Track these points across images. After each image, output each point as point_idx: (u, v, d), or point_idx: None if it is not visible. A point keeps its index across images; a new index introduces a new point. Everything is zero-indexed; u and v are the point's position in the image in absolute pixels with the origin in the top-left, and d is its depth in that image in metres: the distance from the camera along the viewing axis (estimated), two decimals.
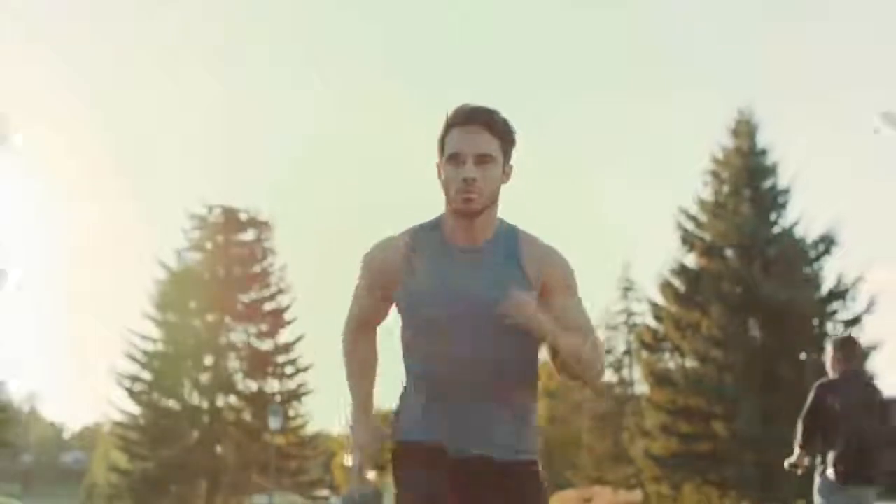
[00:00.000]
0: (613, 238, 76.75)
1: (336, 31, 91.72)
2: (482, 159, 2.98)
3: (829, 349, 6.92)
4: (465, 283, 3.03)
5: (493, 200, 3.05)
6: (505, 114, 3.10)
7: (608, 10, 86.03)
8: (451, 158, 3.01)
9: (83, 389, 79.96)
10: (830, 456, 6.58)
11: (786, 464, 6.88)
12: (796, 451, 6.76)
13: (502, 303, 2.93)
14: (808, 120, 75.08)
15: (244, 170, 78.86)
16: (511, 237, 3.10)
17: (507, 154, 3.06)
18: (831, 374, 6.76)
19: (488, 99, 3.01)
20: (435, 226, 3.13)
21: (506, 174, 3.08)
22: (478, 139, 2.99)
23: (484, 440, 3.04)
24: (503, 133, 3.03)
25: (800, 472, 6.85)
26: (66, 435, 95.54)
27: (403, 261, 3.09)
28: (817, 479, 6.67)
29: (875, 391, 6.80)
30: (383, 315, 3.26)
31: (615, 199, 77.03)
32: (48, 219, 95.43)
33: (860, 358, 6.90)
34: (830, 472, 6.56)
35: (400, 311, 3.15)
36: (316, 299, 79.45)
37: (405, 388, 3.18)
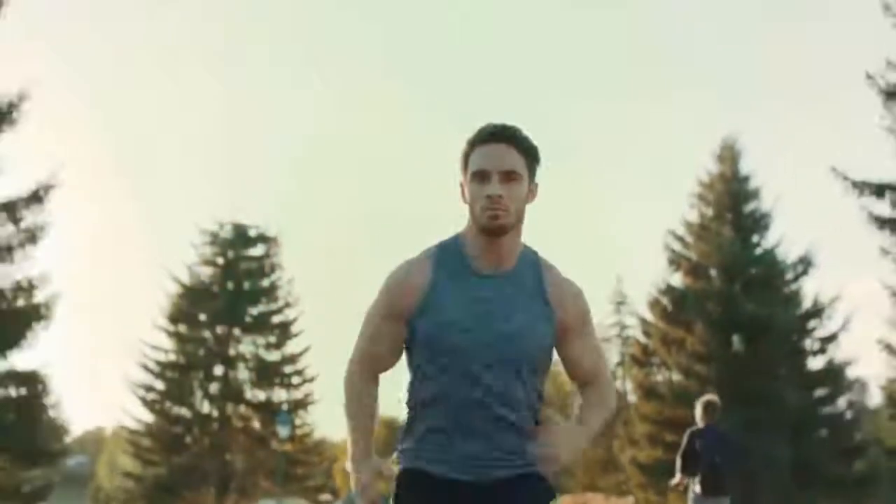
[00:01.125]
0: (608, 251, 79.02)
1: (339, 32, 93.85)
2: (508, 177, 2.99)
3: (698, 407, 10.42)
4: (492, 313, 3.02)
5: (520, 219, 3.05)
6: (526, 129, 3.12)
7: (608, 11, 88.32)
8: (475, 176, 3.02)
9: (82, 393, 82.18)
10: (697, 478, 10.13)
11: (671, 483, 10.40)
12: (678, 475, 10.25)
13: (526, 329, 3.00)
14: (807, 122, 77.72)
15: (250, 181, 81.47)
16: (534, 266, 3.10)
17: (532, 172, 3.07)
18: (699, 423, 10.30)
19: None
20: (456, 247, 3.12)
21: (531, 192, 3.08)
22: (503, 156, 2.99)
23: (492, 469, 3.04)
24: (528, 150, 3.04)
25: (680, 488, 10.36)
26: (67, 439, 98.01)
27: (427, 284, 3.07)
28: (690, 493, 10.20)
29: (725, 436, 10.49)
30: (394, 356, 3.16)
31: (611, 213, 79.46)
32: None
33: (717, 413, 10.38)
34: (697, 488, 10.10)
35: (417, 336, 3.08)
36: (322, 312, 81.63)
37: (410, 417, 3.17)
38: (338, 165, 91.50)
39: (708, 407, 10.37)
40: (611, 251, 71.22)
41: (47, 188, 18.51)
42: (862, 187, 19.26)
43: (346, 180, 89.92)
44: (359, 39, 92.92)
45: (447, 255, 3.09)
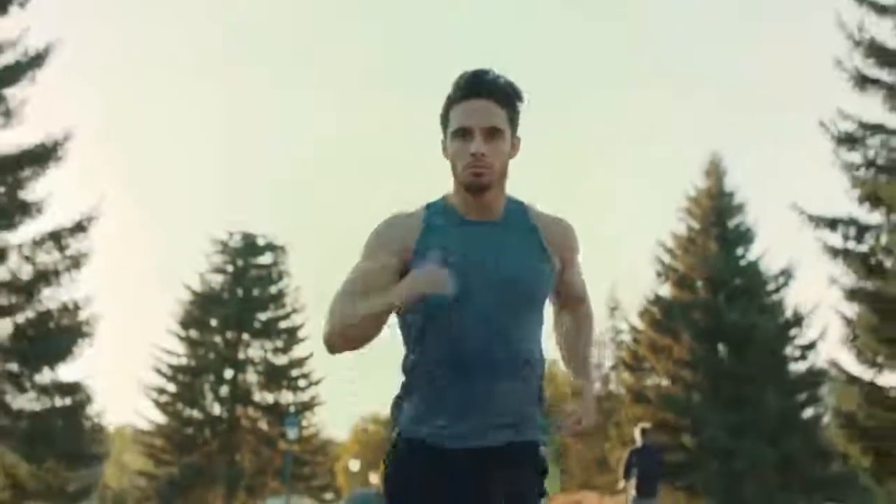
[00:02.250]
0: (604, 257, 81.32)
1: (347, 41, 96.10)
2: (491, 133, 2.97)
3: (636, 431, 14.55)
4: (491, 256, 3.01)
5: (504, 175, 3.05)
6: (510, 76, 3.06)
7: (608, 23, 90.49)
8: (457, 133, 3.00)
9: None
10: (633, 482, 14.07)
11: (619, 485, 14.65)
12: (621, 481, 14.29)
13: (526, 270, 3.01)
14: (793, 136, 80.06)
15: (259, 192, 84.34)
16: (521, 211, 3.12)
17: (514, 125, 3.04)
18: (637, 443, 14.37)
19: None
20: (444, 202, 3.11)
21: (514, 147, 3.06)
22: (486, 112, 2.98)
23: (506, 422, 3.01)
24: (510, 104, 3.02)
25: (621, 489, 14.62)
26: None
27: (422, 226, 3.06)
28: (628, 495, 14.12)
29: (656, 453, 14.65)
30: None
31: (609, 221, 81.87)
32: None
33: (651, 436, 14.64)
34: (633, 492, 14.04)
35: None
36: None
37: (410, 377, 3.09)
38: (343, 176, 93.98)
39: (644, 431, 14.74)
40: (607, 257, 73.65)
41: (90, 219, 21.24)
42: (817, 221, 21.84)
43: (351, 190, 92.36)
44: (365, 48, 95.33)
45: (436, 209, 3.10)
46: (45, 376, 21.05)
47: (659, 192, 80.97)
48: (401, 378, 3.12)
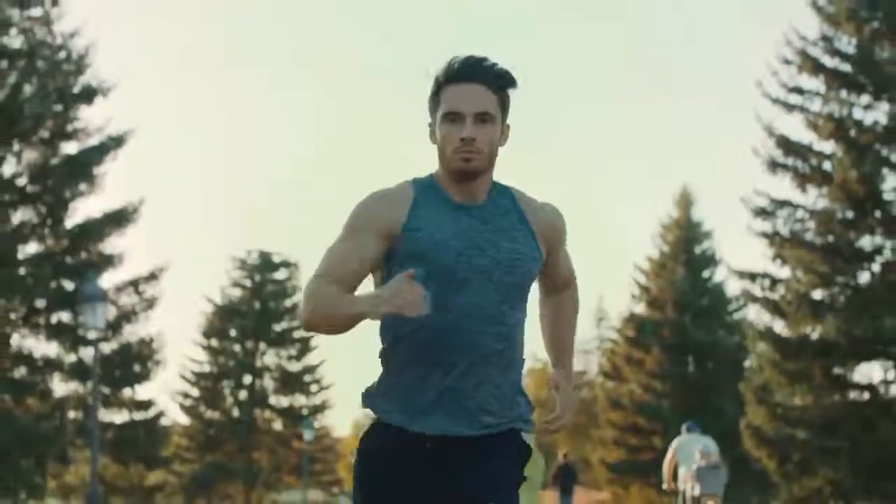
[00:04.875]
0: (592, 270, 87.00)
1: (358, 56, 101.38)
2: (481, 118, 3.02)
3: (559, 454, 22.89)
4: (479, 236, 3.07)
5: (492, 162, 3.09)
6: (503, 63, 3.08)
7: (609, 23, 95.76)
8: (446, 117, 3.04)
9: None
10: (559, 484, 21.71)
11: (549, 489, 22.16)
12: (550, 488, 22.35)
13: (515, 253, 3.07)
14: None
15: (274, 214, 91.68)
16: (507, 195, 3.17)
17: (504, 111, 3.10)
18: (561, 461, 22.55)
19: None
20: (431, 181, 3.14)
21: (503, 134, 3.11)
22: (476, 97, 3.03)
23: (490, 409, 3.06)
24: (501, 89, 3.07)
25: (549, 488, 22.40)
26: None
27: (410, 203, 3.08)
28: (558, 496, 21.87)
29: (573, 468, 23.30)
30: (359, 278, 3.08)
31: (598, 230, 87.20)
32: None
33: (570, 456, 23.39)
34: (558, 493, 21.85)
35: (403, 252, 3.05)
36: None
37: (387, 358, 3.13)
38: (349, 192, 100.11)
39: (565, 455, 23.73)
40: (595, 270, 78.98)
41: (161, 269, 28.39)
42: (740, 273, 28.89)
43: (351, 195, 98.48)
44: (365, 49, 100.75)
45: (424, 187, 3.12)
46: (126, 395, 28.31)
47: (650, 197, 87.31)
48: (379, 361, 3.15)
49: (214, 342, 46.48)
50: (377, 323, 3.12)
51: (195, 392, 45.90)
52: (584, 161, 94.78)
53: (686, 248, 41.24)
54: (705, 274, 41.48)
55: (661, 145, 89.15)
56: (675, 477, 15.80)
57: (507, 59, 3.09)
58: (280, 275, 47.64)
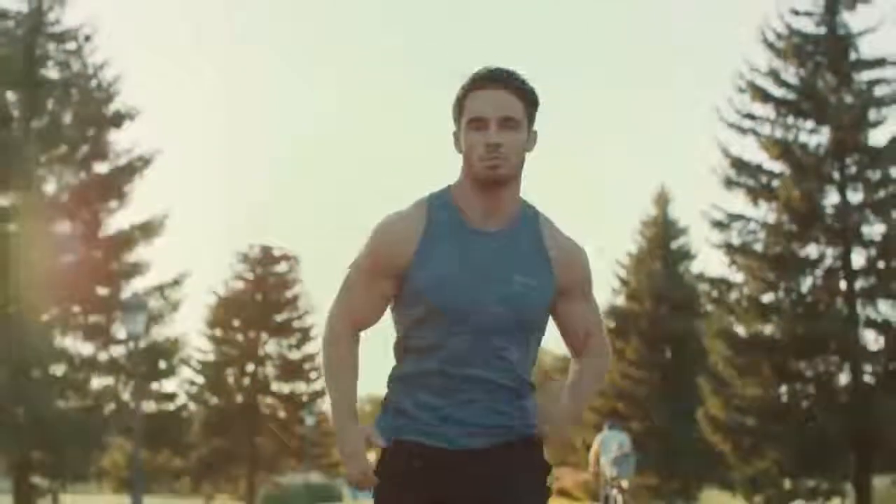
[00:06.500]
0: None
1: (372, 54, 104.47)
2: (507, 123, 3.08)
3: None
4: (492, 269, 3.11)
5: (519, 170, 3.14)
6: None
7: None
8: (472, 123, 3.10)
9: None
10: None
11: None
12: None
13: (526, 288, 3.14)
14: None
15: (276, 208, 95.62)
16: (534, 223, 3.21)
17: (531, 118, 3.16)
18: None
19: None
20: (449, 200, 3.18)
21: (531, 141, 3.16)
22: (502, 102, 3.09)
23: (489, 432, 3.16)
24: (527, 95, 3.14)
25: None
26: None
27: (419, 237, 3.14)
28: None
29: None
30: (377, 313, 3.25)
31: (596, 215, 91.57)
32: None
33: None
34: None
35: (409, 292, 3.15)
36: None
37: (396, 385, 3.26)
38: (352, 196, 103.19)
39: None
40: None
41: (184, 275, 33.08)
42: (701, 279, 33.89)
43: (356, 203, 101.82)
44: (364, 45, 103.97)
45: (440, 209, 3.17)
46: (154, 388, 33.18)
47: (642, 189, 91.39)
48: (387, 387, 3.28)
49: (219, 332, 49.62)
50: (377, 325, 3.29)
51: (200, 380, 49.05)
52: (570, 160, 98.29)
53: (663, 243, 45.87)
54: (680, 268, 46.12)
55: (640, 148, 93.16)
56: (598, 463, 20.69)
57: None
58: (281, 268, 50.99)
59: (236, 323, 49.69)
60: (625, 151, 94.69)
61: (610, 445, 20.72)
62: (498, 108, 3.12)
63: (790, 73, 31.25)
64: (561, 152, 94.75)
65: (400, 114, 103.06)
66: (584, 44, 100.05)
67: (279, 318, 50.21)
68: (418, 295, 3.17)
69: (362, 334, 3.36)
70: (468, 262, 3.16)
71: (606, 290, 46.60)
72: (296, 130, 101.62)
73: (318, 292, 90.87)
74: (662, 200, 46.39)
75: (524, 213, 3.24)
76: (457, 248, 3.16)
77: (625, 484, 19.87)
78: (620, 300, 46.48)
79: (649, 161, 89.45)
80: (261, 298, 50.05)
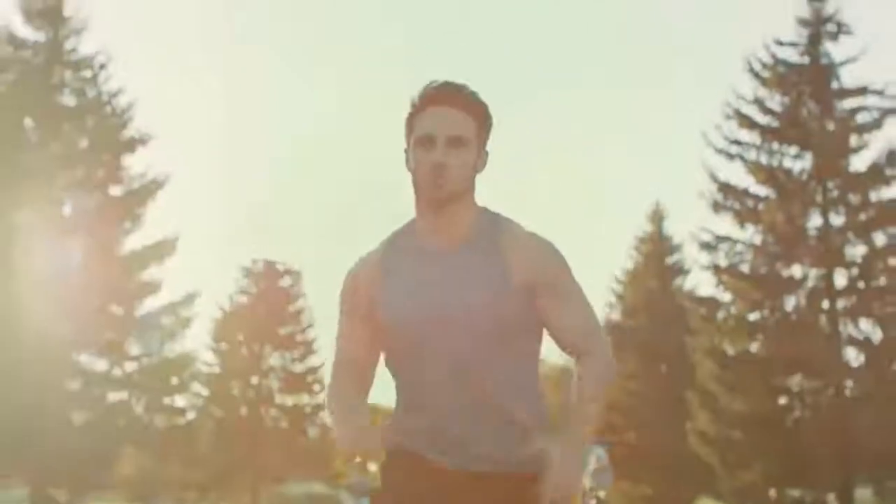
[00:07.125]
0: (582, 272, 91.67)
1: (379, 66, 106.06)
2: (455, 142, 3.06)
3: None
4: (440, 288, 3.12)
5: (469, 188, 3.12)
6: (483, 95, 3.07)
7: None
8: (419, 141, 3.09)
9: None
10: None
11: None
12: None
13: (478, 304, 3.07)
14: None
15: (280, 226, 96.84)
16: (491, 231, 3.16)
17: (482, 138, 3.13)
18: None
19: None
20: (409, 229, 3.21)
21: (481, 161, 3.15)
22: (451, 119, 3.07)
23: (463, 453, 3.13)
24: (479, 113, 3.11)
25: None
26: None
27: (380, 275, 3.19)
28: None
29: None
30: (372, 354, 3.29)
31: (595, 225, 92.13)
32: None
33: None
34: None
35: (379, 331, 3.21)
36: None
37: (396, 399, 3.32)
38: (352, 196, 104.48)
39: None
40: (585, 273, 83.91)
41: (193, 295, 34.94)
42: (691, 298, 35.69)
43: (356, 203, 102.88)
44: (365, 46, 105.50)
45: (400, 240, 3.22)
46: (166, 402, 35.07)
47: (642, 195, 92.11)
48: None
49: (223, 345, 50.23)
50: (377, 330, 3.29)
51: (205, 392, 49.21)
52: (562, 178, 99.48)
53: (658, 259, 47.65)
54: (675, 283, 47.90)
55: (635, 167, 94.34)
56: None
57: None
58: (284, 282, 51.75)
59: (241, 337, 50.20)
60: (624, 152, 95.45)
61: (588, 459, 22.58)
62: (446, 126, 3.10)
63: (775, 102, 33.02)
64: (561, 152, 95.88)
65: (400, 114, 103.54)
66: (584, 44, 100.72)
67: (282, 331, 50.76)
68: (383, 331, 3.25)
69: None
70: (421, 283, 3.19)
71: (603, 305, 48.20)
72: (296, 130, 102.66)
73: (321, 306, 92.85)
74: (657, 217, 48.01)
75: (479, 225, 3.22)
76: (412, 276, 3.20)
77: (602, 494, 21.66)
78: (616, 315, 48.13)
79: (649, 160, 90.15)
80: (264, 312, 50.40)
